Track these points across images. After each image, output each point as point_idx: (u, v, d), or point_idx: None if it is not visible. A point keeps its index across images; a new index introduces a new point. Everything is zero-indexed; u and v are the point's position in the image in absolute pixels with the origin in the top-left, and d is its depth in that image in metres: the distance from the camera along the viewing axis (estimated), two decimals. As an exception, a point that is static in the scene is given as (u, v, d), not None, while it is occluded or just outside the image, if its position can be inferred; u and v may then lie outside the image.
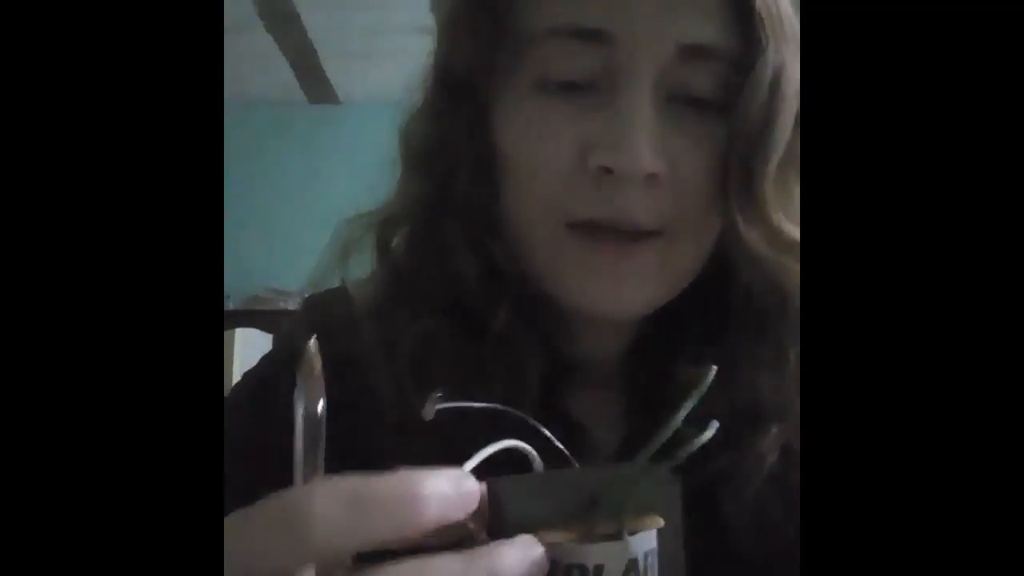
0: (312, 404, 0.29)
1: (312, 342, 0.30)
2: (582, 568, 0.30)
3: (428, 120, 0.54)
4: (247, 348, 3.14)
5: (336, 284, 0.57)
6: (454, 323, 0.51)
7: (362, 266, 0.56)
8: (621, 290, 0.50)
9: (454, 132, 0.52)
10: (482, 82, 0.51)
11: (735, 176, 0.49)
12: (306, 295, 0.61)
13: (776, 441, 0.51)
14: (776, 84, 0.49)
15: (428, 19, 0.55)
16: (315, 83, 3.72)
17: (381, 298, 0.54)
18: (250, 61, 3.40)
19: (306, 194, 3.65)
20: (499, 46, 0.50)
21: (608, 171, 0.47)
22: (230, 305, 3.43)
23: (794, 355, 0.51)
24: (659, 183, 0.48)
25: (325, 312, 0.57)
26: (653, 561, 0.32)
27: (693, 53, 0.48)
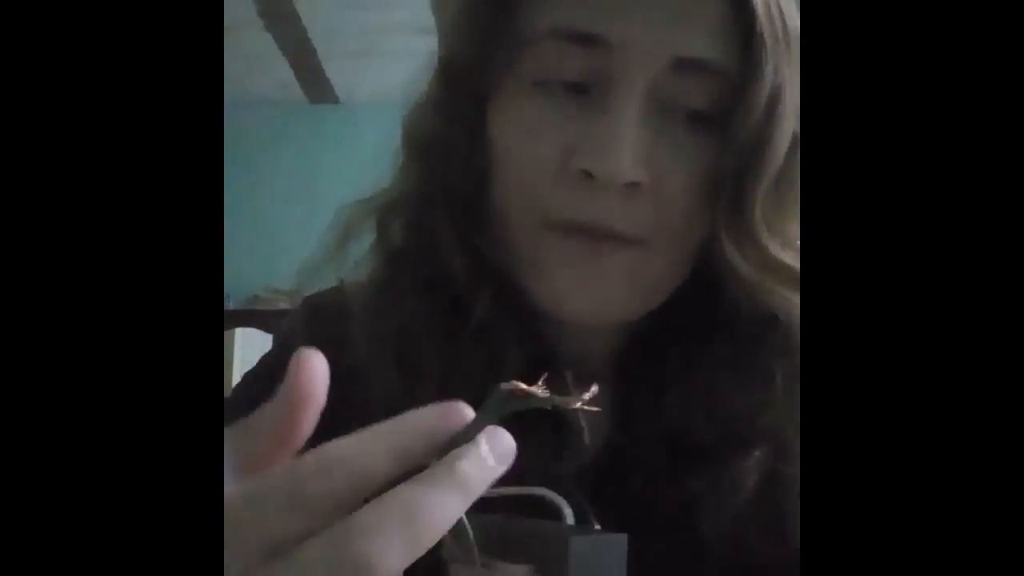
0: None
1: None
2: None
3: (429, 111, 0.54)
4: (247, 348, 3.14)
5: (332, 276, 0.57)
6: (438, 311, 0.52)
7: (360, 252, 0.56)
8: (591, 294, 0.50)
9: (452, 124, 0.53)
10: (482, 78, 0.51)
11: (724, 196, 0.48)
12: (304, 294, 0.62)
13: (758, 464, 0.50)
14: (773, 105, 0.48)
15: (428, 19, 0.56)
16: (315, 83, 3.71)
17: (373, 285, 0.54)
18: (250, 61, 3.40)
19: (306, 194, 3.65)
20: (500, 44, 0.50)
21: (589, 175, 0.47)
22: (230, 305, 3.43)
23: (781, 379, 0.50)
24: (640, 193, 0.48)
25: (323, 313, 0.58)
26: None
27: (689, 66, 0.48)
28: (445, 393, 0.50)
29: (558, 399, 0.32)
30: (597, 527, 0.35)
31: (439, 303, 0.52)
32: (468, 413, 0.31)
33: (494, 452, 0.30)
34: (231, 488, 0.28)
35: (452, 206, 0.52)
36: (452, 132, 0.53)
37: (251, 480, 0.29)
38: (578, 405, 0.32)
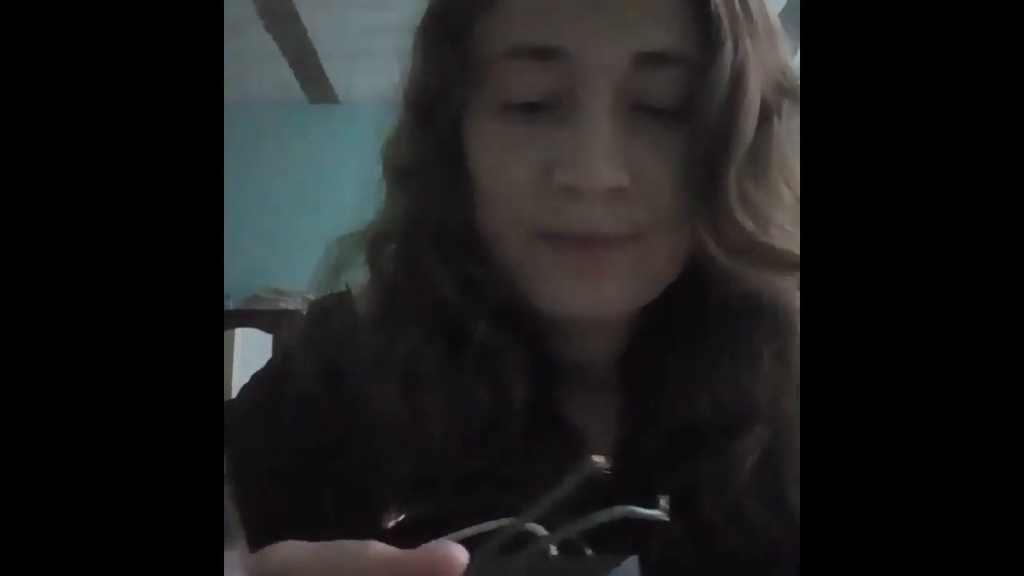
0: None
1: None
2: None
3: (403, 141, 0.55)
4: (247, 348, 3.15)
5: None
6: (440, 338, 0.52)
7: (355, 283, 0.57)
8: (596, 292, 0.50)
9: (427, 152, 0.53)
10: (446, 105, 0.51)
11: (697, 180, 0.48)
12: (310, 297, 0.62)
13: (756, 442, 0.51)
14: (736, 84, 0.48)
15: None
16: (315, 83, 3.72)
17: (374, 312, 0.55)
18: (250, 61, 3.40)
19: (306, 194, 3.66)
20: (459, 70, 0.50)
21: (571, 188, 0.48)
22: (230, 305, 3.44)
23: (768, 356, 0.51)
24: (625, 194, 0.48)
25: (326, 322, 0.58)
26: None
27: (651, 61, 0.48)
28: (451, 418, 0.51)
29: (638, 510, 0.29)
30: (588, 551, 0.35)
31: (439, 331, 0.52)
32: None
33: None
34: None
35: (439, 233, 0.52)
36: (428, 161, 0.53)
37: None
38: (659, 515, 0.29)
